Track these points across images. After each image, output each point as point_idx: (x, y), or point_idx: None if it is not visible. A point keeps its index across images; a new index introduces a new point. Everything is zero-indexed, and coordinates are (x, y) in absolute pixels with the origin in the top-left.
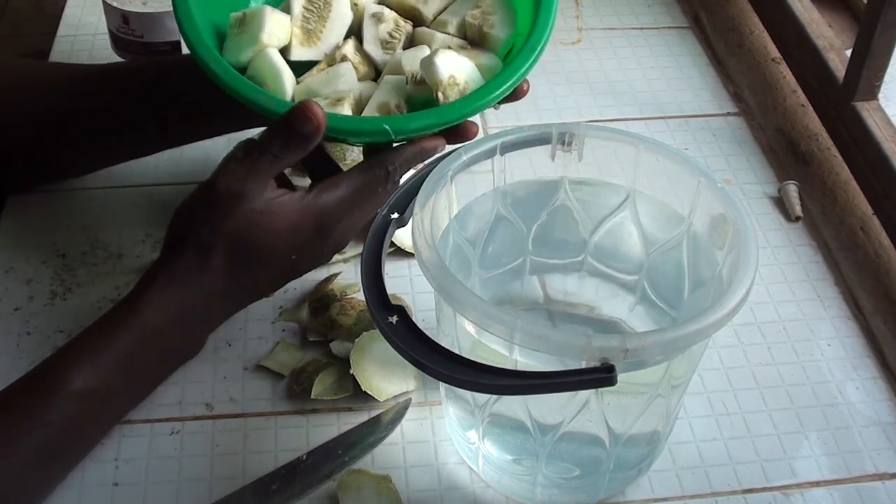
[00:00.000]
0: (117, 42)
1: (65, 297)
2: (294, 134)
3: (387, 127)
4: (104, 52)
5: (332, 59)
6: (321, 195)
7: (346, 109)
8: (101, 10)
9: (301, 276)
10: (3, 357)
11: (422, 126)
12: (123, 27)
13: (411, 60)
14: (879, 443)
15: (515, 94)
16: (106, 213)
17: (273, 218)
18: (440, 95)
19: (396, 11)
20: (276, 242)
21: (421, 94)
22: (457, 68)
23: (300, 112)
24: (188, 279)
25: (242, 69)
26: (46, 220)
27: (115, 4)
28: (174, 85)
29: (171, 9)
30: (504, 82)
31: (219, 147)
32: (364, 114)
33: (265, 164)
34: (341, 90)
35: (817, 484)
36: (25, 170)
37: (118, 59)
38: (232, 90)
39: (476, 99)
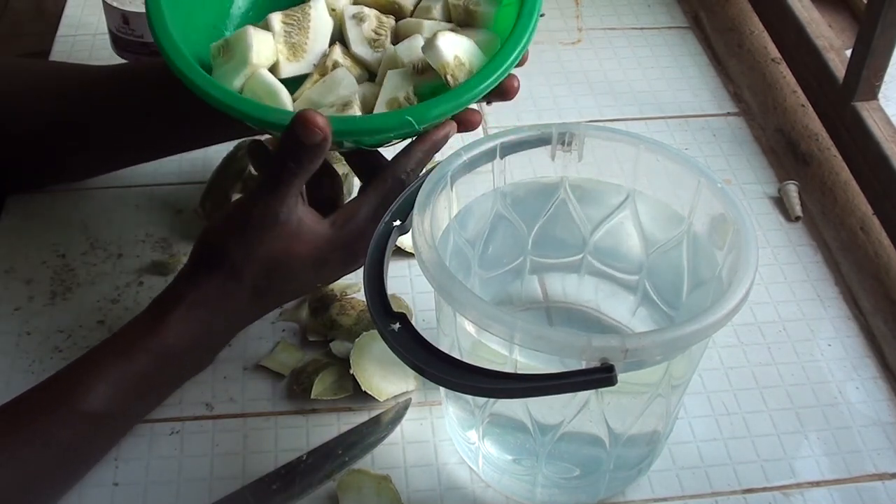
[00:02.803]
0: (117, 42)
1: (65, 297)
2: (302, 147)
3: (410, 118)
4: (104, 52)
5: (324, 68)
6: (345, 226)
7: (356, 112)
8: (101, 10)
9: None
10: (3, 357)
11: (445, 111)
12: (123, 27)
13: (408, 51)
14: (879, 443)
15: (507, 93)
16: (106, 213)
17: (302, 247)
18: (449, 78)
19: (375, 9)
20: (302, 271)
21: (426, 82)
22: (459, 48)
23: (301, 125)
24: (215, 304)
25: None
26: (46, 220)
27: (115, 4)
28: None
29: None
30: (512, 50)
31: (218, 147)
32: (375, 112)
33: (288, 183)
34: (344, 95)
35: (817, 484)
36: (34, 171)
37: (118, 59)
38: (237, 111)
39: (490, 72)
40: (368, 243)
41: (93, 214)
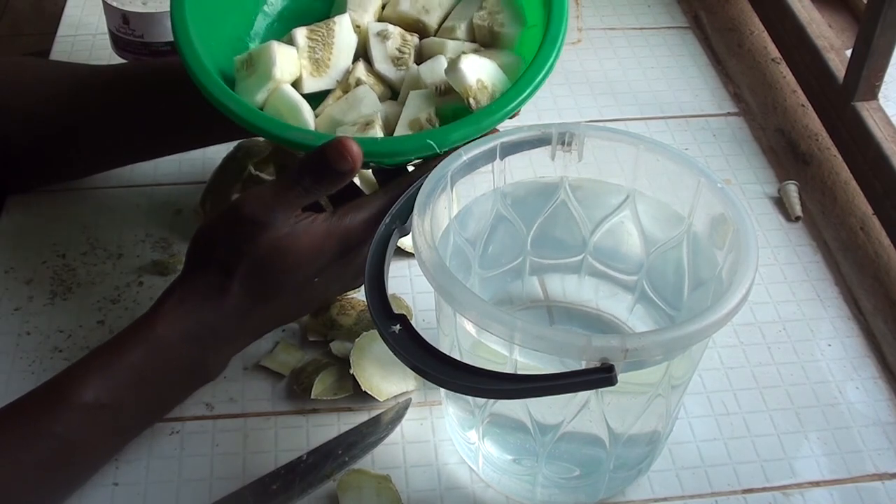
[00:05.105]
0: (117, 42)
1: (65, 297)
2: (328, 171)
3: (431, 142)
4: (104, 52)
5: (346, 85)
6: (345, 217)
7: (378, 132)
8: (101, 10)
9: (332, 299)
10: (3, 357)
11: (465, 135)
12: (123, 27)
13: (430, 72)
14: (879, 443)
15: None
16: (106, 213)
17: (296, 240)
18: (472, 101)
19: (400, 27)
20: (297, 265)
21: (448, 104)
22: (482, 71)
23: (336, 150)
24: (206, 299)
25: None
26: (46, 220)
27: (115, 4)
28: (190, 88)
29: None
30: (536, 75)
31: (218, 147)
32: (396, 133)
33: (294, 197)
34: (366, 114)
35: (817, 484)
36: (34, 169)
37: (118, 59)
38: (261, 131)
39: (512, 97)
40: (367, 240)
41: (93, 214)
